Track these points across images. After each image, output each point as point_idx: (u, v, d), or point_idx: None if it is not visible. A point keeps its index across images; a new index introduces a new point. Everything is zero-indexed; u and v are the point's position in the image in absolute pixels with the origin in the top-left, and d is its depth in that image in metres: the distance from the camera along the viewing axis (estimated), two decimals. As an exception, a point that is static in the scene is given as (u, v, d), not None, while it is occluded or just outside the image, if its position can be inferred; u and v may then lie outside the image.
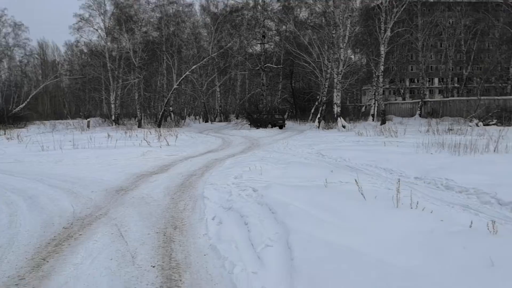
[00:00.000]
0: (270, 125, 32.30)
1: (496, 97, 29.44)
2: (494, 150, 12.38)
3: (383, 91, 36.47)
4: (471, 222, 5.26)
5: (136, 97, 38.08)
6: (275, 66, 40.02)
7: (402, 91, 49.75)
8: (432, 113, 34.95)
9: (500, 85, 34.97)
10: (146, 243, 5.42)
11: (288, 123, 35.90)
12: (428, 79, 46.56)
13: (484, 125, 24.46)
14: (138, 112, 38.23)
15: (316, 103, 35.81)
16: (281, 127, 32.56)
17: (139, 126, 36.17)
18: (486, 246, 4.48)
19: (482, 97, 29.34)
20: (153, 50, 38.91)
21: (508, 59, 33.53)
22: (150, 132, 25.08)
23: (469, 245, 4.57)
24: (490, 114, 25.81)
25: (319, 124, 30.52)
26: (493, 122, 25.01)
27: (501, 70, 35.00)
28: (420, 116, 36.03)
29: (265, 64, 37.54)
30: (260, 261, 4.60)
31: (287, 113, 43.47)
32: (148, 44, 38.48)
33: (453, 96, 38.52)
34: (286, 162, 12.24)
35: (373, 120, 34.45)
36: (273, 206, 6.41)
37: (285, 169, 10.71)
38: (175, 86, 37.16)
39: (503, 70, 34.69)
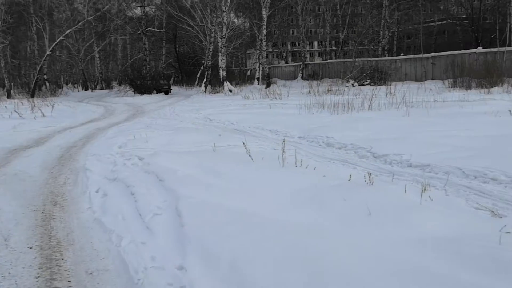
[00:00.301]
0: (155, 91, 31.37)
1: (369, 59, 31.58)
2: (369, 108, 13.37)
3: (267, 54, 37.18)
4: (350, 175, 5.58)
5: (3, 65, 34.28)
6: (158, 30, 38.60)
7: (284, 54, 51.19)
8: (313, 75, 36.56)
9: (372, 47, 37.50)
10: (21, 223, 4.95)
11: (174, 89, 35.17)
12: (308, 43, 48.37)
13: (359, 85, 26.17)
14: (6, 82, 34.55)
15: (202, 68, 35.44)
16: (166, 92, 31.80)
17: (9, 96, 32.76)
18: (364, 196, 4.78)
19: (357, 59, 31.25)
20: (19, 12, 35.08)
21: (379, 23, 35.94)
22: (22, 102, 22.86)
23: (349, 197, 4.85)
24: (364, 74, 27.63)
25: (205, 89, 30.32)
26: (367, 82, 26.85)
27: (372, 33, 37.47)
28: (302, 79, 37.49)
29: (146, 28, 36.00)
30: (149, 231, 4.44)
31: (172, 78, 42.49)
32: (12, 6, 34.53)
33: (331, 59, 40.55)
34: (173, 128, 12.00)
35: (258, 83, 35.07)
36: (160, 174, 6.22)
37: (172, 135, 10.48)
38: (48, 53, 34.16)
39: (375, 33, 37.18)
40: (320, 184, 5.38)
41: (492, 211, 4.42)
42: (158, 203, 5.12)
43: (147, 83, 31.96)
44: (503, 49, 24.08)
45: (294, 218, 4.33)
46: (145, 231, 4.45)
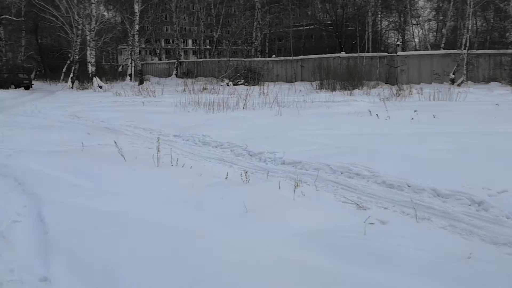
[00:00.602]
0: (13, 86, 28.60)
1: (243, 59, 32.29)
2: (243, 107, 13.65)
3: (140, 51, 36.09)
4: (227, 173, 5.60)
5: None
6: (15, 19, 35.14)
7: (158, 51, 50.18)
8: (188, 73, 36.34)
9: (245, 48, 38.41)
10: None
11: (37, 84, 32.43)
12: (182, 40, 47.94)
13: (234, 84, 26.63)
14: None
15: (68, 62, 33.16)
16: (27, 87, 29.19)
17: None
18: (240, 194, 4.82)
19: (231, 59, 31.77)
20: None
21: (251, 25, 36.96)
22: None
23: (226, 195, 4.85)
24: (238, 74, 28.20)
25: (72, 85, 28.44)
26: (241, 82, 27.45)
27: (246, 34, 38.38)
28: (176, 76, 37.06)
29: (1, 16, 32.61)
30: (6, 240, 3.95)
31: (34, 73, 39.07)
32: None
33: (206, 57, 40.70)
34: (36, 126, 11.03)
35: (130, 80, 33.87)
36: (20, 177, 5.62)
37: (34, 134, 9.61)
38: None
39: (248, 34, 38.13)
40: (197, 183, 5.32)
41: (357, 204, 4.74)
42: (17, 209, 4.61)
43: (3, 76, 29.08)
44: (362, 54, 26.39)
45: (171, 219, 4.20)
46: (1, 241, 3.96)
